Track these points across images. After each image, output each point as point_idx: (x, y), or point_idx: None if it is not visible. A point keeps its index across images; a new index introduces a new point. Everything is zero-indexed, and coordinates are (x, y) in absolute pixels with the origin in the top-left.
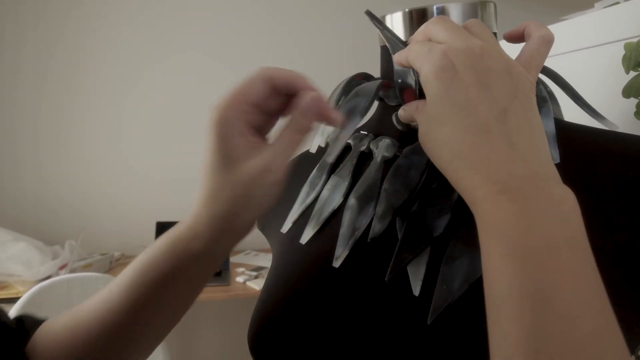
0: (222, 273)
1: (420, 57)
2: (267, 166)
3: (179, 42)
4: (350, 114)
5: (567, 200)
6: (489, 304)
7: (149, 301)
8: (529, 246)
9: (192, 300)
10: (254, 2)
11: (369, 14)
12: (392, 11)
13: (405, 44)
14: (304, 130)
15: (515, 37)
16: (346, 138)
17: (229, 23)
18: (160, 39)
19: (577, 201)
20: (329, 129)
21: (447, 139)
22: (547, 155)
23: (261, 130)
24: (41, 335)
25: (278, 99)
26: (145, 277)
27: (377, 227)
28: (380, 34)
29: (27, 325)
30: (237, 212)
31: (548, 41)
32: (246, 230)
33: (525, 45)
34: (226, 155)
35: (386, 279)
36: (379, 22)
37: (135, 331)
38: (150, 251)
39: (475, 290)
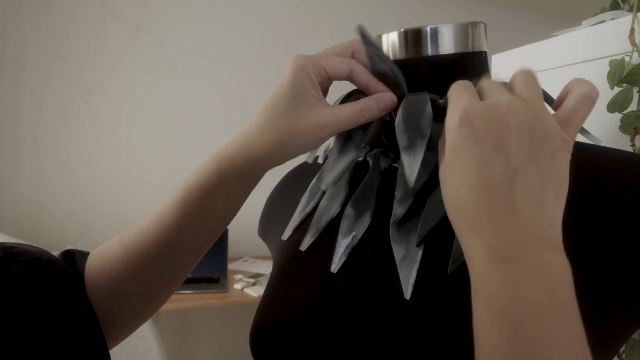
0: (220, 280)
1: (451, 100)
2: (325, 125)
3: (179, 47)
4: (346, 142)
5: (558, 267)
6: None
7: (196, 215)
8: (515, 316)
9: (231, 216)
10: (256, 6)
11: (361, 30)
12: (387, 31)
13: (390, 61)
14: (368, 117)
15: (561, 102)
16: (342, 166)
17: (229, 28)
18: (161, 44)
19: (569, 268)
20: (326, 143)
21: (457, 193)
22: (553, 219)
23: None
24: (92, 263)
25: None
26: (194, 193)
27: (398, 211)
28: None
29: (77, 257)
30: (281, 145)
31: (590, 97)
32: (278, 163)
33: (565, 101)
34: (295, 96)
35: (417, 244)
36: (368, 41)
37: (184, 241)
38: (198, 169)
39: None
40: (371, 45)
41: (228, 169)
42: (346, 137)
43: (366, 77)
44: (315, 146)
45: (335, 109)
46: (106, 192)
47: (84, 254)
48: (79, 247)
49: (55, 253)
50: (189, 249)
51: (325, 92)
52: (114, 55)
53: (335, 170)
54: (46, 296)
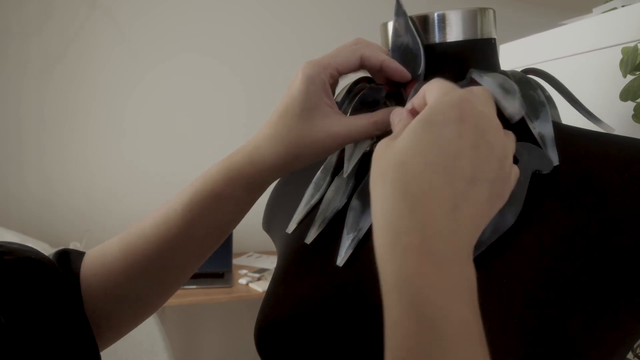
0: (224, 275)
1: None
2: (337, 137)
3: (182, 44)
4: None
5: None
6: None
7: (202, 220)
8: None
9: (236, 223)
10: (257, 3)
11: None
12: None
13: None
14: (382, 130)
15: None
16: (357, 157)
17: (232, 24)
18: (163, 41)
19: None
20: None
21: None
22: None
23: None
24: (89, 263)
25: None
26: (200, 199)
27: None
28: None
29: (72, 257)
30: (292, 156)
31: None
32: (287, 173)
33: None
34: (307, 107)
35: None
36: (401, 11)
37: (188, 247)
38: (204, 176)
39: (502, 242)
40: (402, 15)
41: (237, 178)
42: None
43: (377, 58)
44: (327, 156)
45: (348, 120)
46: (110, 188)
47: (80, 254)
48: (84, 243)
49: (52, 252)
50: (191, 255)
51: (333, 88)
52: (114, 55)
53: (353, 160)
54: (32, 297)
